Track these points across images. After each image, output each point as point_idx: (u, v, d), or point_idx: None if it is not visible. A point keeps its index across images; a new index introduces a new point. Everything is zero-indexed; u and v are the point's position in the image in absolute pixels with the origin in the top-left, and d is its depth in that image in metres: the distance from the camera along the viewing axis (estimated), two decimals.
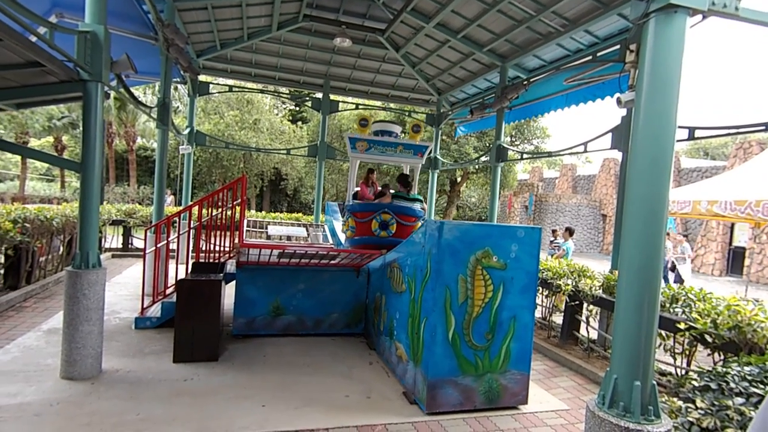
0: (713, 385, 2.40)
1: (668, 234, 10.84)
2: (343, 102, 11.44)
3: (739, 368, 2.56)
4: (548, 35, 6.77)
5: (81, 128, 4.03)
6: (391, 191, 6.30)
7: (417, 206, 6.07)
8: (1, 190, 25.80)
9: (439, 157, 11.55)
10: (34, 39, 3.47)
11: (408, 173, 7.22)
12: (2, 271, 6.54)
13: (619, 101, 3.06)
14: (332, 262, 5.39)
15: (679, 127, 4.72)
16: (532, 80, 7.51)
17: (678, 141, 4.83)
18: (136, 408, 3.56)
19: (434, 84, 10.52)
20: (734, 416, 2.15)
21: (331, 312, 5.74)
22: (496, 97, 7.97)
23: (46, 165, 33.57)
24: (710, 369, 2.66)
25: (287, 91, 13.45)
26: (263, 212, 14.10)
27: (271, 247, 4.95)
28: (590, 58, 6.43)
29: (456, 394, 3.87)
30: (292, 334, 5.58)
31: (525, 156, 10.40)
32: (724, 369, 2.57)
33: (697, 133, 4.57)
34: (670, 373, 4.25)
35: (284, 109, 29.61)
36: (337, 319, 5.77)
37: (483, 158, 14.84)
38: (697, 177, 19.38)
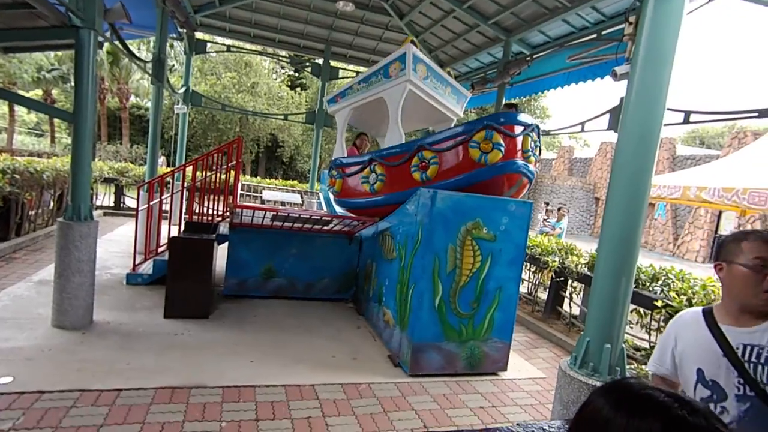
0: None
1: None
2: (344, 69, 11.23)
3: None
4: (555, 10, 6.64)
5: (72, 81, 3.95)
6: None
7: None
8: None
9: None
10: None
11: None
12: None
13: (614, 73, 3.04)
14: (326, 227, 5.44)
15: (675, 110, 4.74)
16: (535, 56, 7.42)
17: (673, 124, 4.86)
18: (127, 358, 3.65)
19: (437, 56, 10.32)
20: None
21: (323, 277, 5.83)
22: (498, 71, 7.87)
23: (35, 119, 32.82)
24: None
25: (287, 55, 13.14)
26: (258, 178, 14.03)
27: (265, 209, 4.98)
28: (595, 36, 6.35)
29: (439, 359, 4.02)
30: (282, 296, 5.67)
31: None
32: None
33: (693, 117, 4.58)
34: (645, 348, 4.41)
35: (283, 74, 28.99)
36: (328, 284, 5.87)
37: None
38: (690, 165, 19.48)
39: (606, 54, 5.79)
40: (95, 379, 3.25)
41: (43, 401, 2.92)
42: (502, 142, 3.92)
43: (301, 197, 8.56)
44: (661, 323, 4.14)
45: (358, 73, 11.90)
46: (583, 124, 6.40)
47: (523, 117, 4.08)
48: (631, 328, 4.54)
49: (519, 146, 4.02)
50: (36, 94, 26.26)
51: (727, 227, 16.99)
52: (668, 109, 2.42)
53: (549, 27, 7.17)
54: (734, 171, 7.21)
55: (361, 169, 5.01)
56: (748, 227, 15.82)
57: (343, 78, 11.53)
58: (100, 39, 4.26)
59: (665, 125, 2.41)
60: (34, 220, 7.57)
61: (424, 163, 4.32)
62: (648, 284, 4.51)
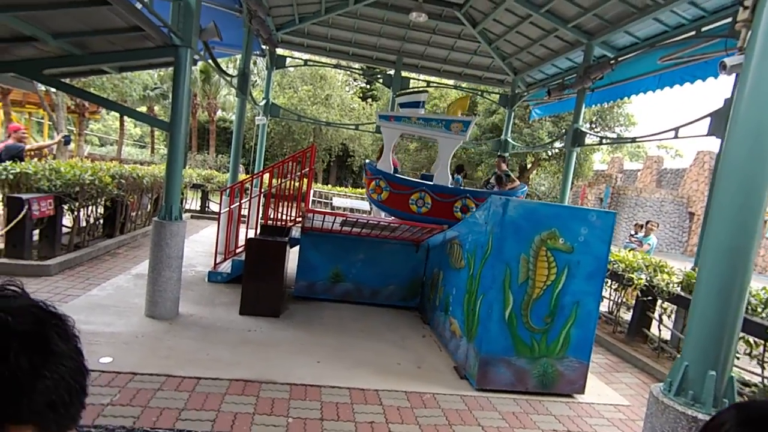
0: None
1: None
2: (415, 79, 11.31)
3: None
4: (645, 8, 6.15)
5: (171, 97, 4.39)
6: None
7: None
8: (102, 153, 28.93)
9: (510, 140, 11.11)
10: (138, 6, 3.80)
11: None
12: (102, 221, 7.39)
13: (723, 66, 2.67)
14: (393, 234, 5.45)
15: None
16: (620, 59, 6.91)
17: None
18: (207, 349, 3.90)
19: (510, 63, 10.04)
20: None
21: (389, 284, 5.83)
22: (578, 76, 7.44)
23: (139, 132, 37.05)
24: None
25: (359, 68, 13.56)
26: (329, 186, 14.53)
27: (334, 215, 5.11)
28: (693, 33, 5.77)
29: (508, 374, 3.81)
30: (349, 301, 5.76)
31: (605, 141, 9.61)
32: None
33: None
34: (756, 384, 3.84)
35: (355, 86, 29.98)
36: (394, 291, 5.86)
37: (557, 143, 14.06)
38: None
39: (707, 52, 5.22)
40: (178, 366, 3.51)
41: (135, 382, 3.20)
42: None
43: (370, 205, 8.70)
44: None
45: (429, 83, 11.94)
46: (677, 129, 5.82)
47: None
48: (738, 359, 3.98)
49: None
50: (141, 109, 29.65)
51: None
52: None
53: (637, 27, 6.65)
54: None
55: (411, 192, 6.01)
56: None
57: (413, 89, 11.61)
58: (195, 57, 4.69)
59: None
60: (134, 220, 8.46)
61: (465, 208, 5.81)
62: (761, 310, 3.93)
